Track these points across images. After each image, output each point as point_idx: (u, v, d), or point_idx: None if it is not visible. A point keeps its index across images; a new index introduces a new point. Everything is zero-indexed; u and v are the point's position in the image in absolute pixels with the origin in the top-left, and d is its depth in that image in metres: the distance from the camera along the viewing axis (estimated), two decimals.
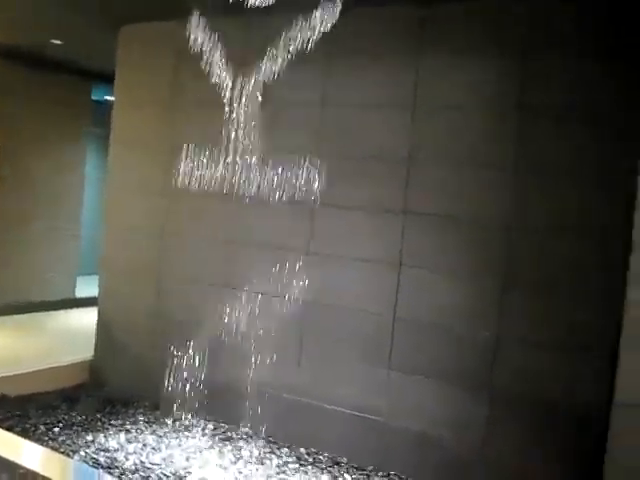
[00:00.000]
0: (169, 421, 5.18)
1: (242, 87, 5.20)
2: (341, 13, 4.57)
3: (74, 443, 4.56)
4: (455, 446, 4.33)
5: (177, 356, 5.48)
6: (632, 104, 3.80)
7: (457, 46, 4.39)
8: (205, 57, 5.40)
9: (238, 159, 5.20)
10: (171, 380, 5.47)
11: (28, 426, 4.74)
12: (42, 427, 4.75)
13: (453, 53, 4.40)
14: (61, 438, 4.61)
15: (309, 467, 4.56)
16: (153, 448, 4.65)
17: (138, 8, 5.40)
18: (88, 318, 6.45)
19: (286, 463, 4.60)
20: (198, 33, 5.41)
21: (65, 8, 5.58)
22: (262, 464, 4.58)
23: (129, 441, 4.71)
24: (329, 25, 4.67)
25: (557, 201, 4.05)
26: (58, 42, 6.83)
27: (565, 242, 4.02)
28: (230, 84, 5.25)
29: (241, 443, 4.87)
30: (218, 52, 5.34)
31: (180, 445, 4.75)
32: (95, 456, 4.40)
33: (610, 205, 3.87)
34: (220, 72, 5.31)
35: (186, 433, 4.98)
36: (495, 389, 4.20)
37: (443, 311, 4.39)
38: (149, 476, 4.20)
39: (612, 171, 3.88)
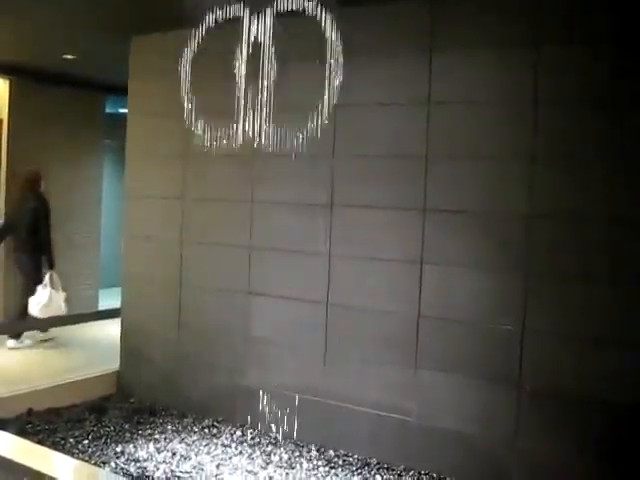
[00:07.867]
0: (197, 429, 5.18)
1: (256, 91, 5.19)
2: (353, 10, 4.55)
3: (104, 454, 4.57)
4: (486, 442, 4.28)
5: (202, 363, 5.49)
6: None
7: (470, 40, 4.36)
8: (218, 64, 5.42)
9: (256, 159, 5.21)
10: (197, 387, 5.48)
11: (57, 439, 4.76)
12: (71, 440, 4.77)
13: (466, 47, 4.37)
14: (91, 450, 4.64)
15: (339, 469, 4.54)
16: (183, 456, 4.65)
17: (149, 18, 5.41)
18: (113, 330, 6.47)
19: (316, 466, 4.58)
20: (210, 40, 5.43)
21: (76, 23, 5.62)
22: (292, 468, 4.57)
23: (158, 450, 4.72)
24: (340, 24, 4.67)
25: (579, 190, 3.99)
26: (70, 57, 6.87)
27: (590, 231, 3.96)
28: (244, 89, 5.25)
29: (270, 447, 4.86)
30: (230, 58, 5.35)
31: (209, 452, 4.75)
32: (125, 466, 4.41)
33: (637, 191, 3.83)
34: (234, 78, 5.31)
35: (215, 440, 4.98)
36: (524, 382, 4.15)
37: (467, 307, 4.35)
38: None
39: (636, 156, 3.84)
